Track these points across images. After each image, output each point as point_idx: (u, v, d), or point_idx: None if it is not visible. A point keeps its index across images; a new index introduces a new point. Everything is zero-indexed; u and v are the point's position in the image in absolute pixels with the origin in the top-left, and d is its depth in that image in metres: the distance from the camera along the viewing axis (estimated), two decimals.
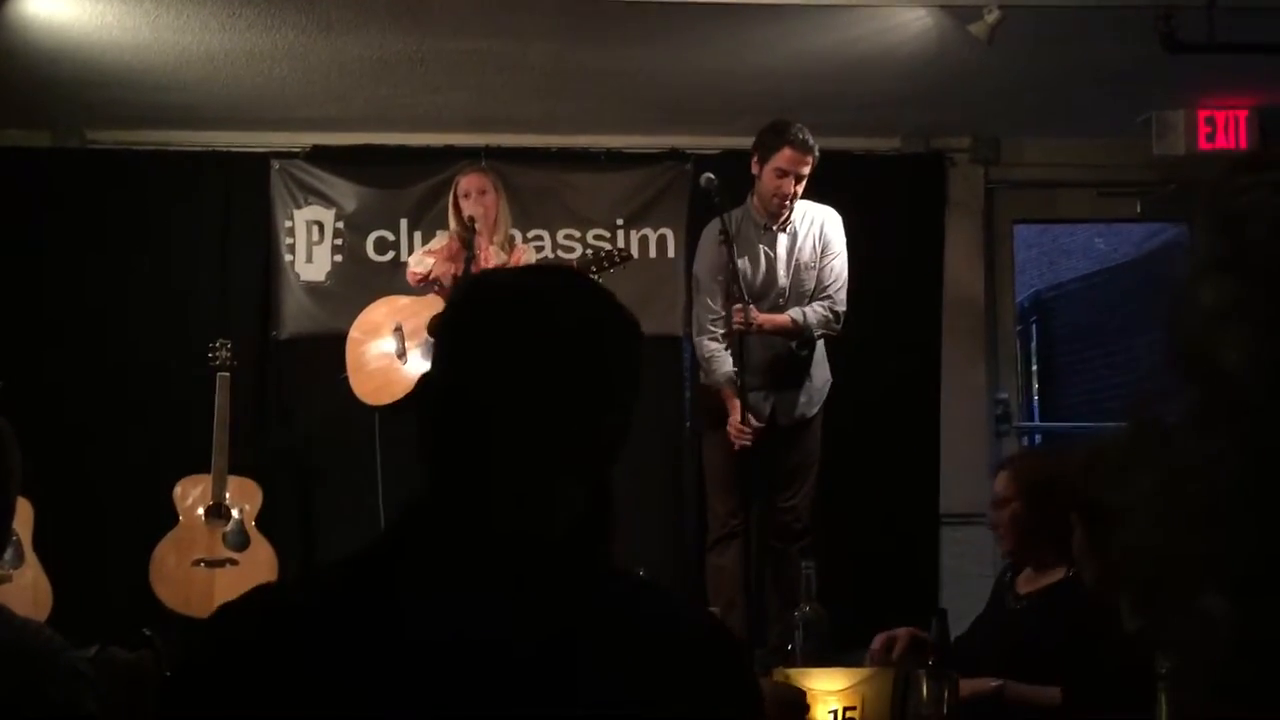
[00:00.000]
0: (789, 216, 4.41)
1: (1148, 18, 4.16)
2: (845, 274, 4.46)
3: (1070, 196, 5.94)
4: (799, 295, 4.43)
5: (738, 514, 4.38)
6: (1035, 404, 7.50)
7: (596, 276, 5.01)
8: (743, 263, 4.35)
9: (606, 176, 5.63)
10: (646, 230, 5.63)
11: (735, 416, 4.29)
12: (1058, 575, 2.76)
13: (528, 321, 1.14)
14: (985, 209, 5.79)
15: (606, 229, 5.55)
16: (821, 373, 4.55)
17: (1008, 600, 2.86)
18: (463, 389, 1.13)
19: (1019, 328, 6.69)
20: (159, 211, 5.41)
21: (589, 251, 4.65)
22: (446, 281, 4.62)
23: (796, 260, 4.44)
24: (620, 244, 5.48)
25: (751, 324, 4.20)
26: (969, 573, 5.14)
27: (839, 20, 4.34)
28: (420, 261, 4.79)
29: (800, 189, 4.33)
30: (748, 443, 4.24)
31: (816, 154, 4.27)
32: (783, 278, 4.43)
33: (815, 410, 4.53)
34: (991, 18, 4.05)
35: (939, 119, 5.49)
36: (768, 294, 4.40)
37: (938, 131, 5.65)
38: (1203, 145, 5.18)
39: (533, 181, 5.57)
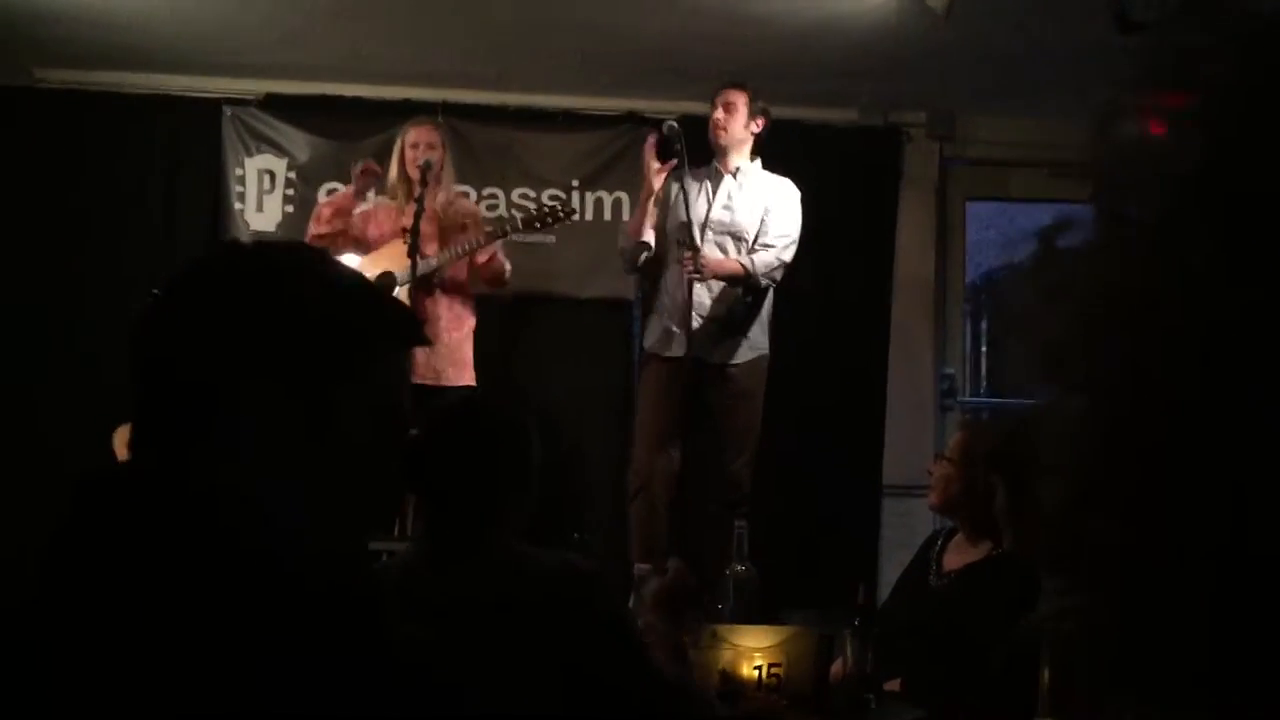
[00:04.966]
0: (737, 163, 4.47)
1: None
2: (794, 234, 4.48)
3: (1024, 176, 5.96)
4: (731, 236, 4.46)
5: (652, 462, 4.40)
6: (983, 380, 7.56)
7: (541, 232, 5.00)
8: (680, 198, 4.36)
9: (563, 137, 5.60)
10: (601, 193, 5.61)
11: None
12: (984, 551, 2.78)
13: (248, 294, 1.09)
14: (939, 185, 5.81)
15: (561, 190, 5.52)
16: (759, 331, 4.56)
17: (931, 576, 2.88)
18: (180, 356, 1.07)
19: (969, 304, 6.72)
20: (107, 155, 5.32)
21: (534, 208, 4.60)
22: (340, 239, 4.56)
23: (731, 205, 4.47)
24: (574, 205, 5.45)
25: (702, 270, 4.19)
26: (909, 544, 5.17)
27: None
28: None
29: (731, 121, 4.42)
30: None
31: (746, 87, 4.39)
32: (719, 210, 4.46)
33: (741, 359, 4.51)
34: None
35: (896, 92, 5.49)
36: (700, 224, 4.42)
37: (895, 105, 5.66)
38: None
39: (488, 139, 5.54)
